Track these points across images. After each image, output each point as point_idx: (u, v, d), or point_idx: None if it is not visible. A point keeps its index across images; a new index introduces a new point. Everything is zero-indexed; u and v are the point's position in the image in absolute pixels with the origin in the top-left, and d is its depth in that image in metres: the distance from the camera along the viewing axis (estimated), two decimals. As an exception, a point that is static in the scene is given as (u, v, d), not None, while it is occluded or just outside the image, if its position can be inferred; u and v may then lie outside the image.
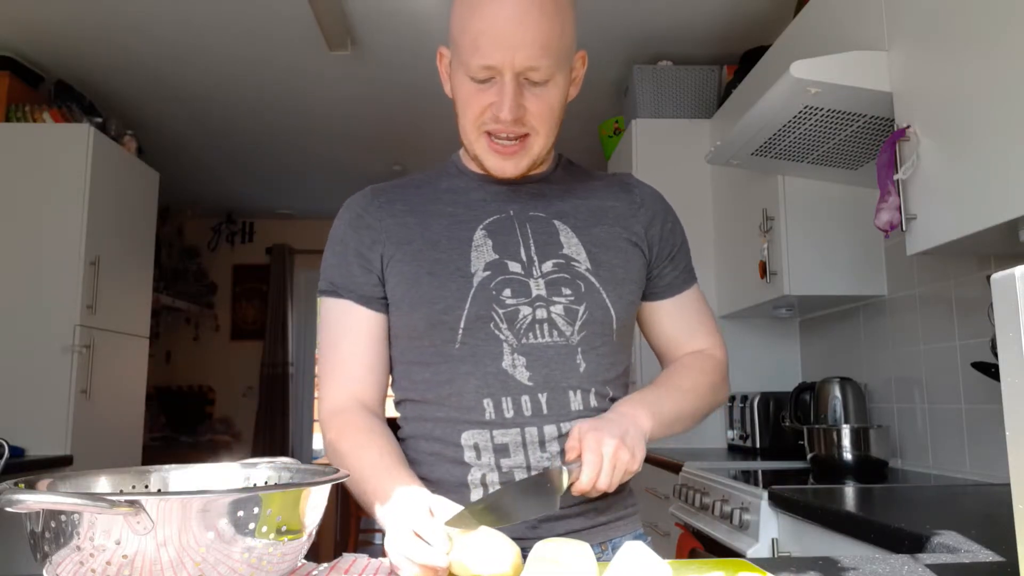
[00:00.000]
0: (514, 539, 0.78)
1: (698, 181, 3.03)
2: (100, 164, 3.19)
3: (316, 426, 6.03)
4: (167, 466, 0.79)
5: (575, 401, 1.00)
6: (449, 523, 0.78)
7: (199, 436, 5.56)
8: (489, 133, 1.00)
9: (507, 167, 1.01)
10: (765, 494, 1.73)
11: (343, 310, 1.05)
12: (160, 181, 3.80)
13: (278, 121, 3.96)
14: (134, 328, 3.55)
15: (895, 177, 1.65)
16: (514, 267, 1.01)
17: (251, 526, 0.61)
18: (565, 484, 0.87)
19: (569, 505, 0.99)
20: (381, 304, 1.05)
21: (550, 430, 0.98)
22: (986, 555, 0.95)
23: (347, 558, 0.87)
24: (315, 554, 0.80)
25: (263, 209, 5.78)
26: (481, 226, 1.04)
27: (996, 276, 0.68)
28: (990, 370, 1.69)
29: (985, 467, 1.86)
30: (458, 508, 0.81)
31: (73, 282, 3.05)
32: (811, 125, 1.95)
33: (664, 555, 0.78)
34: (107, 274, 3.24)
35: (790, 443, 2.53)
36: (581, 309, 1.01)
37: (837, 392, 2.24)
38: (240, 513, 0.61)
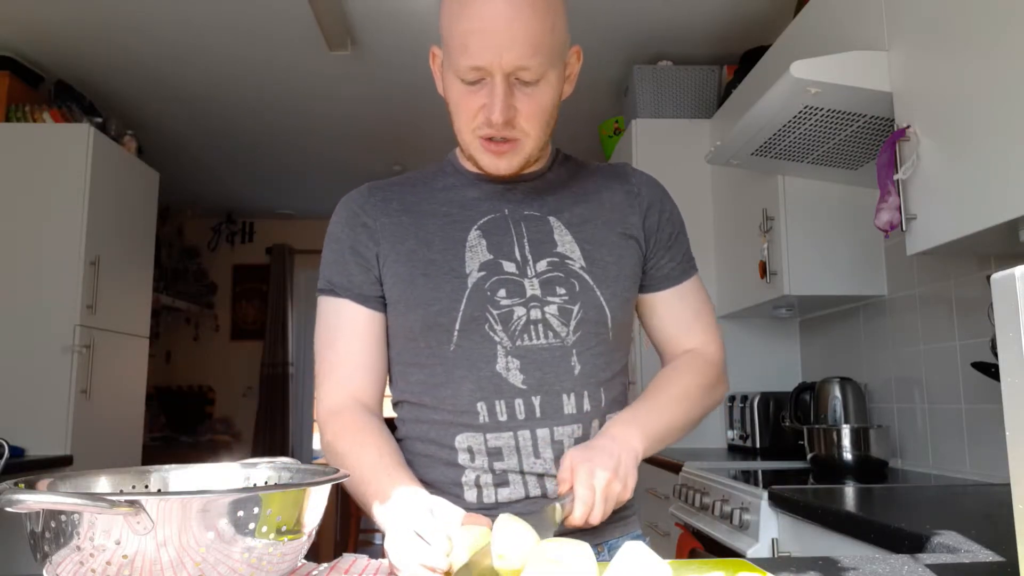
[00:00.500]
0: None
1: (698, 181, 3.03)
2: (100, 164, 3.19)
3: (316, 426, 6.02)
4: (167, 466, 0.79)
5: (568, 405, 0.99)
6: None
7: (199, 436, 5.56)
8: (481, 137, 0.99)
9: (500, 165, 1.00)
10: (765, 494, 1.73)
11: (341, 309, 1.04)
12: (160, 181, 3.80)
13: (278, 121, 3.96)
14: (134, 328, 3.55)
15: (895, 177, 1.65)
16: (508, 267, 1.00)
17: (251, 526, 0.61)
18: (559, 520, 0.86)
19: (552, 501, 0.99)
20: (379, 303, 1.04)
21: (543, 434, 0.98)
22: (986, 555, 0.95)
23: (347, 558, 0.87)
24: (315, 554, 0.80)
25: (263, 209, 5.78)
26: (475, 226, 1.03)
27: (996, 276, 0.68)
28: (990, 370, 1.69)
29: (985, 467, 1.86)
30: (458, 510, 0.81)
31: (73, 282, 3.05)
32: (811, 125, 1.94)
33: (664, 555, 0.78)
34: (107, 274, 3.24)
35: (790, 443, 2.53)
36: (576, 308, 1.00)
37: (837, 392, 2.24)
38: (240, 513, 0.61)
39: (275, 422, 5.66)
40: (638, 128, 3.09)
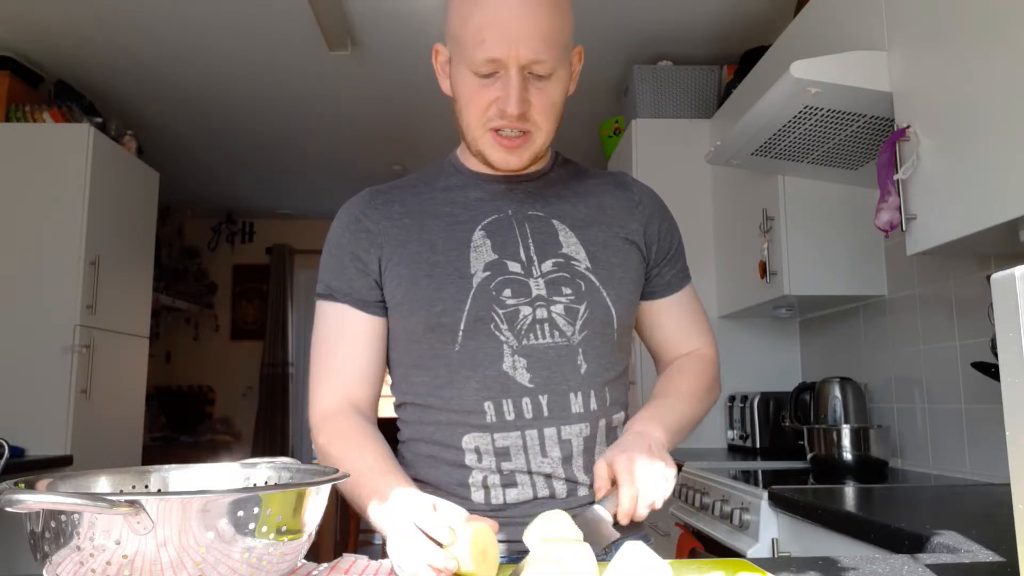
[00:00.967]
0: (515, 542, 0.78)
1: (698, 181, 3.02)
2: (100, 164, 3.19)
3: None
4: (167, 466, 0.79)
5: (575, 403, 0.99)
6: None
7: (199, 436, 5.55)
8: (494, 129, 1.00)
9: (511, 160, 1.01)
10: (765, 494, 1.73)
11: (339, 314, 1.04)
12: (160, 181, 3.80)
13: (278, 121, 3.96)
14: (134, 328, 3.55)
15: (895, 177, 1.64)
16: (514, 267, 1.01)
17: (251, 526, 0.61)
18: (609, 518, 0.86)
19: (572, 508, 0.99)
20: (378, 308, 1.04)
21: (550, 433, 0.98)
22: (986, 555, 0.95)
23: (347, 558, 0.87)
24: (315, 554, 0.80)
25: (263, 209, 5.78)
26: (479, 226, 1.03)
27: (996, 276, 0.68)
28: (990, 370, 1.69)
29: (985, 467, 1.86)
30: (460, 510, 0.81)
31: (73, 282, 3.05)
32: (811, 125, 1.94)
33: (664, 555, 0.78)
34: (107, 274, 3.23)
35: (790, 443, 2.53)
36: (582, 308, 1.00)
37: (837, 392, 2.24)
38: (240, 513, 0.61)
39: (275, 422, 5.66)
40: (638, 128, 3.09)
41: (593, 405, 1.01)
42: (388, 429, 1.06)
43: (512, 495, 0.98)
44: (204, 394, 5.76)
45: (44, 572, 0.61)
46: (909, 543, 1.13)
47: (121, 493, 0.73)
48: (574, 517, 0.83)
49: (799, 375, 2.94)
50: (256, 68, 3.34)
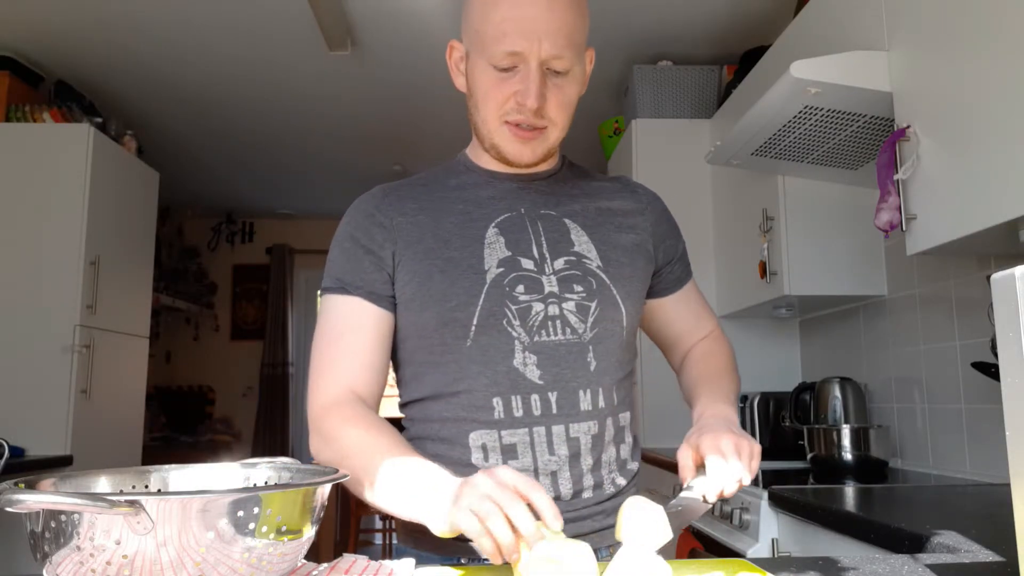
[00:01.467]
0: None
1: (698, 181, 3.02)
2: (100, 164, 3.19)
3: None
4: (167, 466, 0.79)
5: (584, 401, 1.00)
6: None
7: (199, 436, 5.55)
8: (509, 122, 1.01)
9: (525, 152, 1.03)
10: (765, 494, 1.73)
11: (350, 306, 1.02)
12: (160, 181, 3.80)
13: (278, 121, 3.96)
14: (134, 328, 3.55)
15: (895, 177, 1.65)
16: (527, 264, 1.01)
17: (251, 526, 0.61)
18: (698, 496, 0.88)
19: (578, 508, 0.99)
20: (389, 303, 1.03)
21: (558, 430, 0.98)
22: (986, 555, 0.95)
23: (347, 558, 0.87)
24: (315, 554, 0.80)
25: (263, 209, 5.78)
26: (493, 224, 1.04)
27: (996, 276, 0.68)
28: (990, 370, 1.69)
29: (985, 467, 1.86)
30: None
31: (73, 282, 3.05)
32: (811, 125, 1.95)
33: (664, 555, 0.78)
34: (107, 274, 3.23)
35: (790, 443, 2.53)
36: (593, 305, 1.02)
37: (837, 392, 2.24)
38: (240, 513, 0.61)
39: (275, 422, 5.66)
40: (638, 128, 3.09)
41: (601, 403, 1.01)
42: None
43: None
44: (204, 394, 5.76)
45: (44, 572, 0.61)
46: (909, 543, 1.13)
47: (121, 493, 0.72)
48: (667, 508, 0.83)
49: (799, 375, 2.94)
50: (256, 68, 3.34)
